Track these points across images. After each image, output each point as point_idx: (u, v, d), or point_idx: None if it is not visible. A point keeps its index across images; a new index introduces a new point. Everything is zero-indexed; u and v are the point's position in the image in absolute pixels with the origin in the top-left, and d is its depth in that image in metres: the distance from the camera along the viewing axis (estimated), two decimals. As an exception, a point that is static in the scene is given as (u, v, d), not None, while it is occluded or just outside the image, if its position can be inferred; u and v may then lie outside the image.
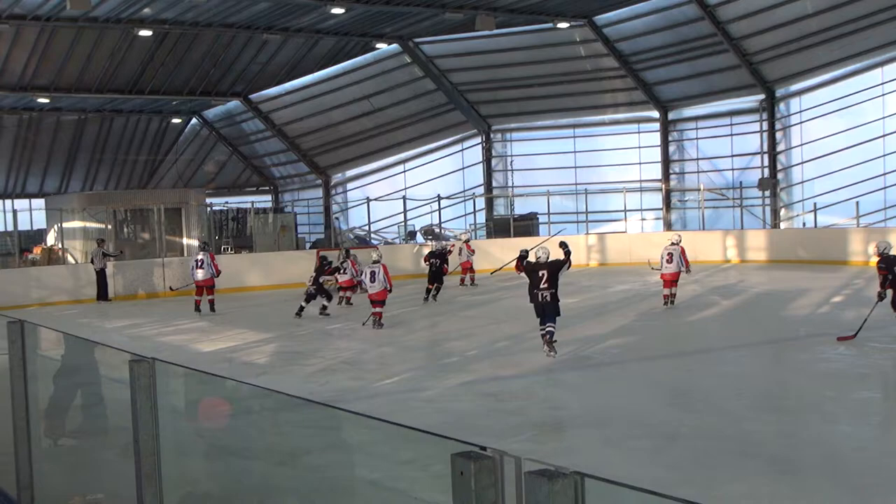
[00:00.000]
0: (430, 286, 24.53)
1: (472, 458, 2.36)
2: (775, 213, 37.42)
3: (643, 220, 39.98)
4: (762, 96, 37.51)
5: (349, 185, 47.29)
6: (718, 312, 20.53)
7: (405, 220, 37.87)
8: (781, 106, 37.87)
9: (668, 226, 39.04)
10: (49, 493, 5.91)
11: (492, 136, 43.57)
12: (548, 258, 15.18)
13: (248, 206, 41.97)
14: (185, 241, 33.65)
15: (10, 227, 34.85)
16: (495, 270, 25.60)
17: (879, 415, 10.70)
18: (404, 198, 37.67)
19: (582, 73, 39.51)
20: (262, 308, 24.51)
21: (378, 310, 19.38)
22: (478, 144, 43.86)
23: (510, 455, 2.32)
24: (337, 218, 45.61)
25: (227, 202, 44.51)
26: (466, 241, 29.00)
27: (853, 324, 17.45)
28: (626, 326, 18.57)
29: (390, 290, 19.56)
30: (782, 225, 37.15)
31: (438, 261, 24.68)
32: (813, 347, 16.08)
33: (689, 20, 35.29)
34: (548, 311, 14.88)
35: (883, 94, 34.74)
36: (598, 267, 32.74)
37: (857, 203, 32.42)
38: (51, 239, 37.28)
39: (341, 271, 23.37)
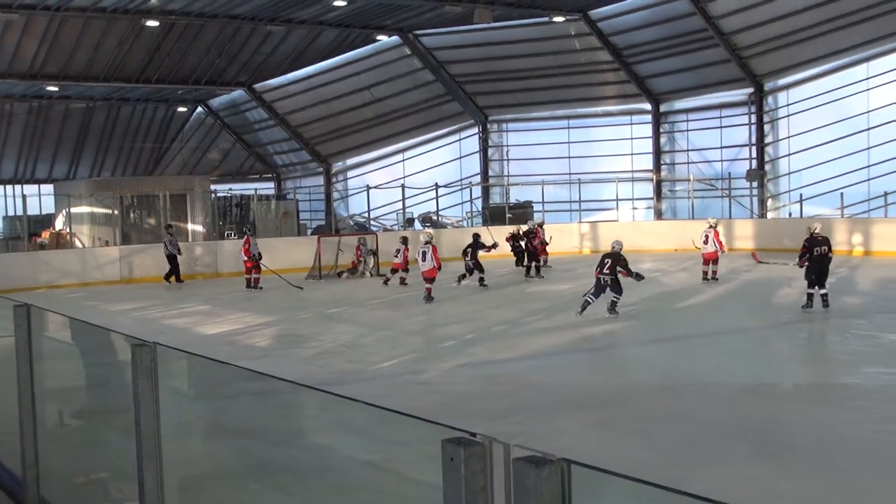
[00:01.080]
0: (525, 265, 26.03)
1: (462, 443, 2.34)
2: (762, 203, 37.46)
3: (634, 209, 40.00)
4: (751, 90, 37.52)
5: (349, 174, 47.27)
6: (708, 299, 20.53)
7: (403, 208, 37.82)
8: (770, 99, 37.88)
9: (659, 215, 39.09)
10: (54, 472, 5.90)
11: (489, 126, 43.53)
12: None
13: (252, 192, 41.95)
14: (189, 226, 33.57)
15: (20, 212, 34.77)
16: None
17: (864, 399, 10.70)
18: (403, 186, 37.62)
19: (577, 65, 39.48)
20: (264, 292, 24.48)
21: (429, 286, 20.93)
22: (475, 134, 43.84)
23: (499, 441, 2.30)
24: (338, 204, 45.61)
25: (230, 189, 44.48)
26: (539, 226, 28.67)
27: (837, 310, 17.50)
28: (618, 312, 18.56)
29: (439, 269, 21.33)
30: (769, 215, 37.18)
31: (523, 242, 26.42)
32: (797, 334, 16.12)
33: (682, 15, 35.24)
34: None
35: (868, 89, 34.79)
36: (590, 254, 32.67)
37: (842, 194, 32.47)
38: (59, 223, 37.22)
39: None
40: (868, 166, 34.49)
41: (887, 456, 8.51)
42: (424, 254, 21.26)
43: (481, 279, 23.53)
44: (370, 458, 4.01)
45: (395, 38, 39.72)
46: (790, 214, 35.52)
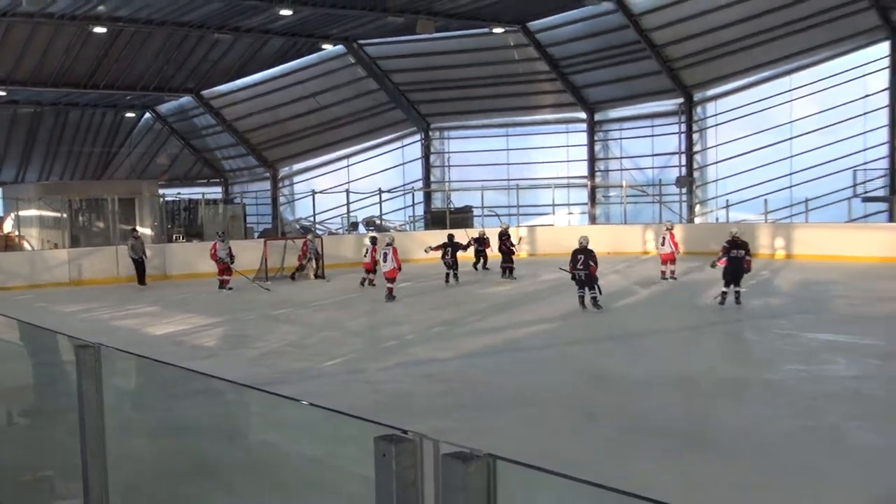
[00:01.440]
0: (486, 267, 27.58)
1: (393, 440, 2.37)
2: (691, 208, 37.93)
3: (570, 213, 40.32)
4: (681, 100, 37.96)
5: (296, 178, 46.96)
6: (638, 301, 20.74)
7: (348, 212, 37.69)
8: (699, 109, 38.36)
9: (593, 219, 39.36)
10: (1, 470, 5.82)
11: (430, 133, 43.57)
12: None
13: (199, 197, 41.52)
14: (138, 229, 33.15)
15: (-32, 215, 34.10)
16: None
17: (784, 395, 10.90)
18: (347, 191, 37.48)
19: (515, 75, 39.66)
20: (211, 294, 24.27)
21: (390, 286, 21.40)
22: (417, 141, 43.85)
23: (429, 438, 2.34)
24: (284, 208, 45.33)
25: (179, 193, 43.89)
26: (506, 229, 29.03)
27: (760, 311, 17.82)
28: (553, 313, 18.68)
29: (399, 270, 21.86)
30: (697, 220, 37.65)
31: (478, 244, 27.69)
32: (723, 334, 16.34)
33: (616, 28, 35.57)
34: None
35: (791, 101, 35.41)
36: (528, 257, 32.86)
37: (766, 200, 33.04)
38: (7, 226, 36.52)
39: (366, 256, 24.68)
40: (790, 174, 35.09)
41: (805, 449, 8.68)
42: (386, 255, 21.73)
43: (456, 276, 25.10)
44: (314, 454, 4.02)
45: (339, 47, 39.59)
46: (717, 219, 36.03)
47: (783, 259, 29.36)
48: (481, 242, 28.10)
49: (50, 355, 5.75)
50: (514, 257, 26.90)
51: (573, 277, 18.96)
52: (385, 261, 21.74)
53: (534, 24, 37.16)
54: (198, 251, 30.33)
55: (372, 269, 24.35)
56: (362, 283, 24.76)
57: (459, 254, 25.84)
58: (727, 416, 10.04)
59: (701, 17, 33.92)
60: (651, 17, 34.86)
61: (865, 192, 33.11)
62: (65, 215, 32.68)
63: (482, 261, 28.14)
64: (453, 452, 2.25)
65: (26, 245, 32.89)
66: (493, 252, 28.18)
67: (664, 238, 24.48)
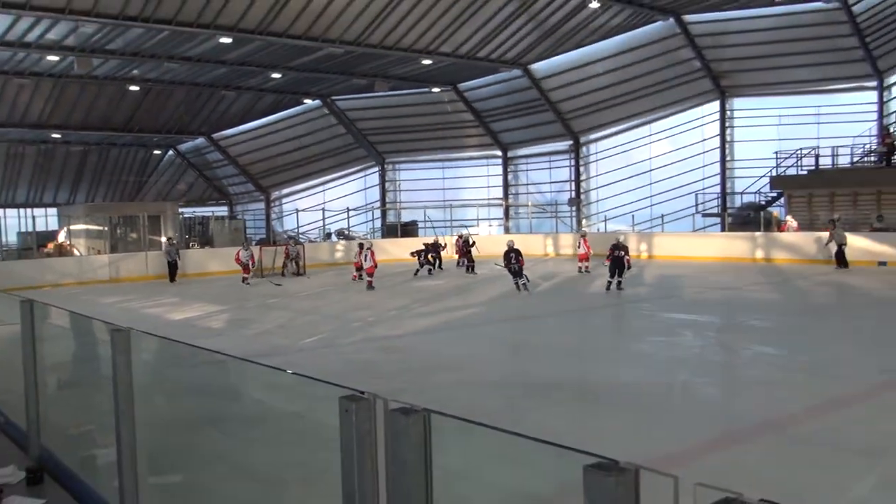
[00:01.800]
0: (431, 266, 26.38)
1: (354, 399, 2.32)
2: (579, 221, 38.30)
3: (490, 226, 40.43)
4: (571, 142, 38.37)
5: (284, 200, 46.42)
6: (542, 291, 20.85)
7: (324, 225, 37.43)
8: (584, 149, 38.78)
9: (507, 230, 39.46)
10: (51, 425, 5.64)
11: (386, 166, 43.41)
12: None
13: (210, 214, 40.86)
14: (162, 239, 32.52)
15: (31, 228, 33.23)
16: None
17: (647, 360, 11.00)
18: (323, 209, 37.18)
19: (449, 123, 39.76)
20: (220, 288, 23.88)
21: (369, 279, 21.76)
22: (376, 172, 43.67)
23: (380, 397, 2.29)
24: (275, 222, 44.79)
25: (194, 212, 43.21)
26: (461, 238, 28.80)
27: (632, 297, 17.99)
28: (480, 301, 18.70)
29: (376, 267, 22.24)
30: (584, 230, 38.00)
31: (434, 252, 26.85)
32: (602, 314, 16.47)
33: (523, 88, 35.85)
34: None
35: (650, 143, 36.01)
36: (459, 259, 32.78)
37: (633, 216, 33.51)
38: (62, 237, 35.52)
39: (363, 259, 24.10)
40: (651, 196, 35.67)
41: (664, 400, 8.77)
42: (366, 256, 22.22)
43: (430, 271, 25.74)
44: (295, 409, 3.94)
45: (317, 102, 39.34)
46: (598, 230, 36.38)
47: (646, 259, 29.75)
48: (437, 248, 27.56)
49: (90, 337, 5.57)
50: (473, 257, 26.70)
51: (510, 270, 19.77)
52: (366, 260, 22.11)
53: (462, 85, 37.28)
54: (209, 255, 29.88)
55: (359, 266, 24.04)
56: (354, 279, 24.34)
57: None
58: (609, 375, 10.10)
59: (586, 80, 34.39)
60: (549, 80, 35.20)
61: (704, 210, 33.73)
62: (106, 228, 31.98)
63: (438, 262, 27.42)
64: (398, 408, 2.20)
65: (76, 251, 32.02)
66: (448, 254, 28.47)
67: (580, 242, 24.84)
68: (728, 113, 34.12)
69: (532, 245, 34.11)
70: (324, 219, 36.70)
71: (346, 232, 37.96)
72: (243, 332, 14.73)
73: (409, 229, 37.67)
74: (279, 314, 17.47)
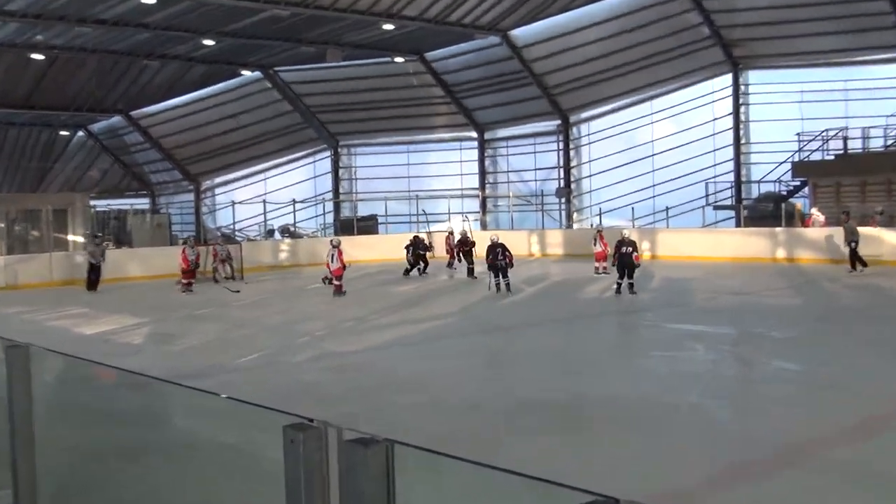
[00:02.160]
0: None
1: (301, 428, 2.29)
2: (569, 216, 38.49)
3: (464, 221, 40.13)
4: (559, 122, 38.54)
5: (217, 190, 46.15)
6: (524, 297, 20.89)
7: (265, 220, 37.22)
8: (574, 130, 39.00)
9: (484, 226, 39.43)
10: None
11: (339, 150, 43.32)
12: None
13: (128, 207, 40.46)
14: (70, 237, 32.06)
15: None
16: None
17: (651, 377, 11.06)
18: (264, 201, 36.99)
19: (414, 99, 39.76)
20: (140, 295, 23.61)
21: (337, 283, 21.55)
22: (327, 157, 43.58)
23: (332, 425, 2.26)
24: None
25: (109, 204, 42.74)
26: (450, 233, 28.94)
27: (630, 304, 18.11)
28: (452, 309, 18.69)
29: (344, 268, 21.87)
30: (575, 226, 38.20)
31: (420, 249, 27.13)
32: (597, 324, 16.55)
33: (502, 58, 35.94)
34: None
35: (652, 123, 36.26)
36: (433, 259, 32.74)
37: (633, 208, 33.58)
38: (-53, 235, 34.93)
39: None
40: (653, 185, 35.93)
41: (669, 424, 8.81)
42: (333, 256, 21.86)
43: (418, 270, 26.34)
44: (229, 441, 3.89)
45: (257, 73, 39.13)
46: (591, 225, 36.50)
47: (648, 259, 29.89)
48: (425, 247, 27.56)
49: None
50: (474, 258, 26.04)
51: (496, 268, 20.62)
52: (333, 261, 21.87)
53: (430, 55, 37.28)
54: (127, 257, 29.56)
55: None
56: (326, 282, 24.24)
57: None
58: (602, 394, 10.11)
59: (575, 49, 34.54)
60: (532, 50, 35.31)
61: (716, 202, 34.05)
62: (2, 225, 31.47)
63: (424, 263, 27.19)
64: (355, 438, 2.18)
65: (-36, 252, 31.46)
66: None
67: (596, 239, 25.23)
68: (742, 88, 34.53)
69: (514, 243, 34.07)
70: (265, 213, 36.52)
71: (292, 228, 37.81)
72: (168, 349, 14.58)
73: (367, 226, 37.60)
74: (210, 327, 17.32)
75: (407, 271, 26.44)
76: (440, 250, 29.16)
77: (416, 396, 10.23)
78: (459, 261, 26.88)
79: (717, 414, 9.41)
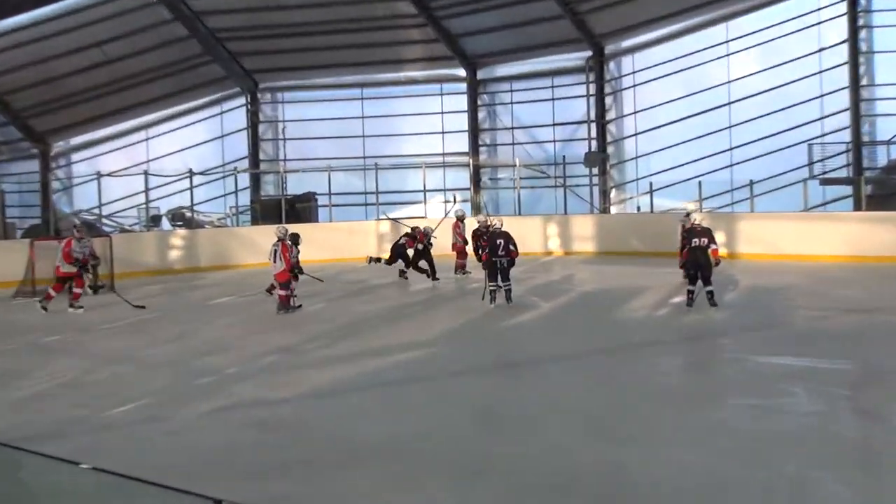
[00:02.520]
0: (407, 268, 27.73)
1: (208, 520, 2.25)
2: (605, 194, 38.47)
3: (447, 201, 39.88)
4: (589, 53, 38.50)
5: (75, 157, 45.98)
6: (538, 316, 20.86)
7: (147, 202, 37.08)
8: (611, 65, 38.99)
9: (477, 209, 39.24)
10: None
11: (259, 96, 43.33)
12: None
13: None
14: None
15: None
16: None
17: (728, 438, 11.03)
18: (146, 172, 36.90)
19: (373, 19, 39.56)
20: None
21: (282, 293, 21.65)
22: (241, 106, 43.62)
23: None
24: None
25: None
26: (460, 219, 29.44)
27: (693, 329, 18.11)
28: (428, 335, 18.63)
29: (293, 271, 21.93)
30: (613, 209, 38.23)
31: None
32: (648, 359, 16.50)
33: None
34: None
35: (728, 54, 36.12)
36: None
37: (700, 183, 33.24)
38: None
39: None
40: (730, 149, 35.95)
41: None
42: (275, 253, 21.79)
43: (426, 274, 27.02)
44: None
45: (134, -21, 39.03)
46: (639, 209, 36.53)
47: (724, 259, 29.89)
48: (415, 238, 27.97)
49: None
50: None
51: (493, 266, 21.28)
52: (275, 261, 21.76)
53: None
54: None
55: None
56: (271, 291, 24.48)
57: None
58: (649, 466, 10.08)
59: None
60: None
61: (824, 173, 34.12)
62: None
63: (407, 262, 27.72)
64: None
65: None
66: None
67: (683, 225, 24.77)
68: (863, 2, 34.63)
69: (523, 235, 34.14)
70: (147, 190, 36.43)
71: (189, 213, 37.71)
72: (6, 396, 14.48)
73: (301, 208, 37.53)
74: (66, 363, 17.19)
75: (402, 272, 27.19)
76: (440, 250, 29.06)
77: (380, 469, 10.18)
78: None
79: (829, 490, 9.39)
